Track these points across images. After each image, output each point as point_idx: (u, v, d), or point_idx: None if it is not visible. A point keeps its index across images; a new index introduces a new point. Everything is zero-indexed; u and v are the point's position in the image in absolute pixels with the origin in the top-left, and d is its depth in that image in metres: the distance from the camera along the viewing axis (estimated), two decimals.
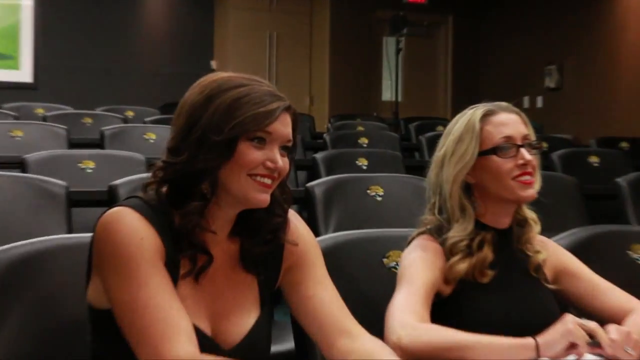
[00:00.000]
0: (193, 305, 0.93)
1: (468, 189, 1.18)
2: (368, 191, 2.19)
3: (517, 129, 1.18)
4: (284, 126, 0.95)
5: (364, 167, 3.04)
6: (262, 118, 0.93)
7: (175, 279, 0.92)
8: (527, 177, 1.16)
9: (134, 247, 0.88)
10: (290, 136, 0.98)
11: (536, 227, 1.21)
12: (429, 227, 1.20)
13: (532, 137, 1.20)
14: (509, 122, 1.19)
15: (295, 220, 1.05)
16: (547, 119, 6.16)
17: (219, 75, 0.99)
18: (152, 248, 0.89)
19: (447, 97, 7.91)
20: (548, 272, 1.21)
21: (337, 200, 2.13)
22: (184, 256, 0.94)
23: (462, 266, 1.12)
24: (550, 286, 1.19)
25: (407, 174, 2.84)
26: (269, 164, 0.93)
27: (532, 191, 1.17)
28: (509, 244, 1.19)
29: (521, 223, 1.21)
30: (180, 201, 0.93)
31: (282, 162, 0.95)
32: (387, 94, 7.49)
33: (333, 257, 1.27)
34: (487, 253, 1.14)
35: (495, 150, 1.16)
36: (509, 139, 1.16)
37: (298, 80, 7.37)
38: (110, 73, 6.56)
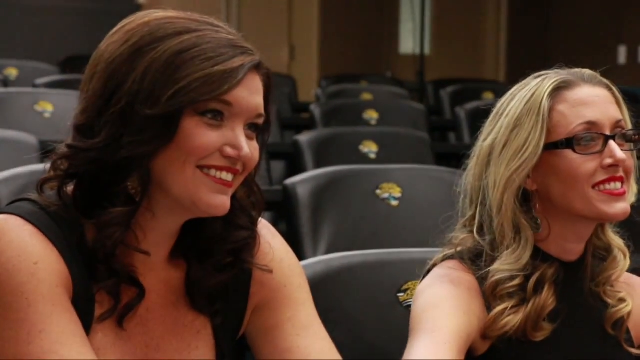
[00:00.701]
0: None
1: (526, 200, 1.17)
2: (378, 191, 2.21)
3: (605, 112, 1.16)
4: (251, 94, 0.96)
5: (373, 156, 3.05)
6: (218, 81, 0.93)
7: (87, 322, 0.92)
8: (616, 185, 1.14)
9: (23, 276, 0.88)
10: (261, 109, 0.98)
11: (624, 262, 1.19)
12: (460, 249, 1.19)
13: (628, 124, 1.18)
14: (594, 102, 1.16)
15: (269, 236, 1.06)
16: None
17: (152, 15, 0.99)
18: (51, 277, 0.89)
19: (499, 51, 7.83)
20: (634, 329, 1.21)
21: (331, 205, 2.15)
22: (101, 289, 0.94)
23: (513, 319, 1.11)
24: (635, 351, 1.20)
25: (437, 166, 2.86)
26: (228, 150, 0.94)
27: (623, 206, 1.14)
28: (578, 285, 1.19)
29: (601, 254, 1.21)
30: (94, 206, 0.93)
31: (249, 147, 0.95)
32: (408, 45, 7.36)
33: (325, 290, 1.28)
34: (548, 298, 1.13)
35: (572, 142, 1.14)
36: (592, 126, 1.14)
37: (271, 24, 7.30)
38: None
